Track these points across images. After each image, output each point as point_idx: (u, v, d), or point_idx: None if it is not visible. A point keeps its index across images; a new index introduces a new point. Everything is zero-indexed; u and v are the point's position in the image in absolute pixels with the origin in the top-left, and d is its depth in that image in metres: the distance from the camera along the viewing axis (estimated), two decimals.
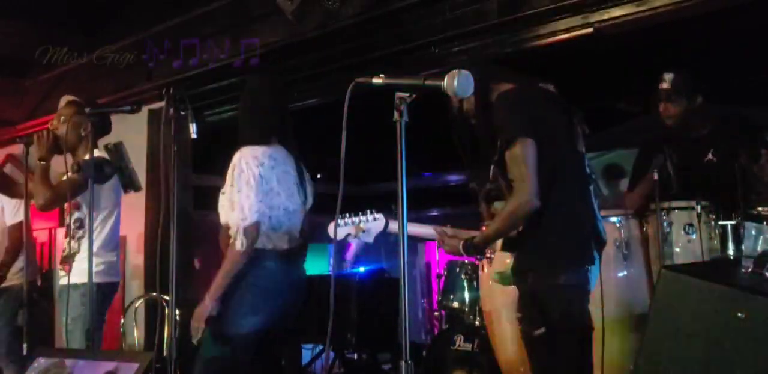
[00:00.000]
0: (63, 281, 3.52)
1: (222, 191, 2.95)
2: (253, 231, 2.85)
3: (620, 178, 4.61)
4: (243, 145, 2.95)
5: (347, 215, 2.86)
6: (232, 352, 2.89)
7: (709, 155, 3.51)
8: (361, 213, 2.86)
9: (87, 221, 3.48)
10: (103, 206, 3.61)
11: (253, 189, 2.86)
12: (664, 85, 3.54)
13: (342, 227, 2.82)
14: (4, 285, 4.35)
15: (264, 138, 3.00)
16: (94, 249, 3.51)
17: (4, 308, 4.33)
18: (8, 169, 4.60)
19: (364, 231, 2.83)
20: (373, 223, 2.84)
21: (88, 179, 3.26)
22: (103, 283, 3.51)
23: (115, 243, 3.72)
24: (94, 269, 3.45)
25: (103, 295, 3.55)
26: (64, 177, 3.55)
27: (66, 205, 3.60)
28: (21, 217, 4.40)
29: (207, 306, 2.84)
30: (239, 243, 2.83)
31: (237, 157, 2.92)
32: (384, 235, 2.87)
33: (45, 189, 3.48)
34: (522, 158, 2.43)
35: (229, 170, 2.91)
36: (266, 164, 2.91)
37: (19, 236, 4.27)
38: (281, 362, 4.89)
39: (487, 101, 2.61)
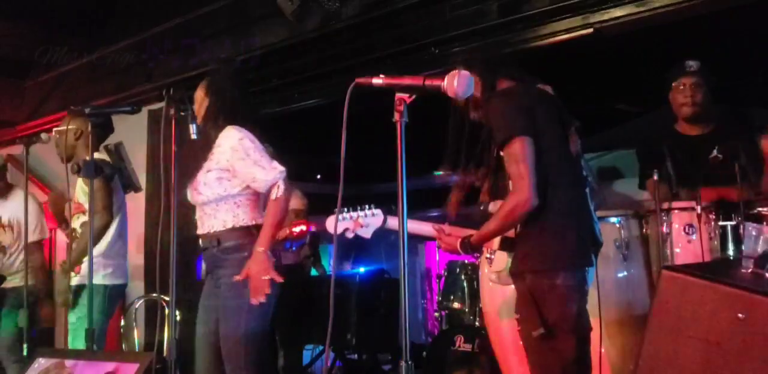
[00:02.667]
0: (74, 281, 3.52)
1: (208, 168, 2.98)
2: (287, 180, 2.93)
3: (618, 179, 4.61)
4: (227, 124, 3.02)
5: (346, 209, 2.86)
6: (266, 325, 2.96)
7: (714, 153, 3.50)
8: (359, 208, 2.85)
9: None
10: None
11: (266, 157, 2.95)
12: (692, 69, 3.52)
13: (340, 222, 2.82)
14: (10, 285, 4.35)
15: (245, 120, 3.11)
16: (103, 251, 3.52)
17: (10, 308, 4.33)
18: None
19: (362, 226, 2.83)
20: (372, 218, 2.84)
21: (109, 181, 3.29)
22: (110, 285, 3.51)
23: (122, 245, 3.71)
24: (103, 271, 3.46)
25: (110, 297, 3.54)
26: (77, 185, 3.55)
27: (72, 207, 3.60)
28: (45, 234, 4.42)
29: (267, 255, 2.82)
30: (278, 192, 2.88)
31: (234, 135, 2.96)
32: (384, 235, 2.87)
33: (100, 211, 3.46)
34: (520, 156, 2.44)
35: (229, 146, 2.95)
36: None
37: (42, 254, 4.32)
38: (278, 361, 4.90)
39: (490, 97, 2.62)
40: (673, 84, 3.58)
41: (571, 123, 2.61)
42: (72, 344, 3.46)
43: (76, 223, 3.61)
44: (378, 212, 2.84)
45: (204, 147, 3.00)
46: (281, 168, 2.93)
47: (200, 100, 3.13)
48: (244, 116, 3.07)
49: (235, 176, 2.96)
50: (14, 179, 4.73)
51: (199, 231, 3.07)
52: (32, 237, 4.32)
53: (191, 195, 3.05)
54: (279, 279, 2.80)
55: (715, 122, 3.61)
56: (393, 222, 2.83)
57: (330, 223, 2.88)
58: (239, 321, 2.90)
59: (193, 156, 3.04)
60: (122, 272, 3.66)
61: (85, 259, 3.45)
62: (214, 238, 2.98)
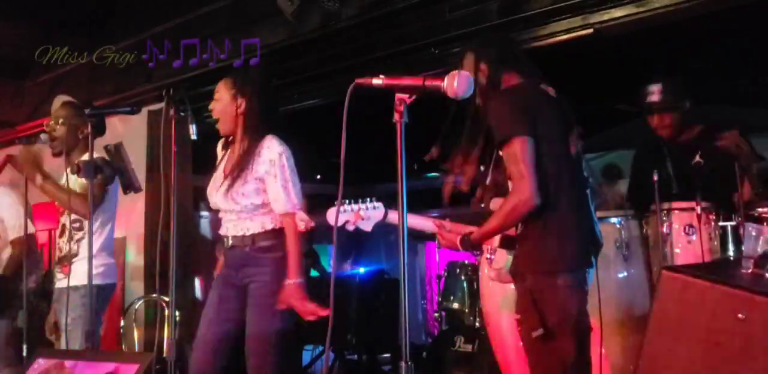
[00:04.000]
0: (61, 283, 3.51)
1: (245, 179, 3.02)
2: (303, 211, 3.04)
3: (619, 179, 4.61)
4: (265, 133, 3.07)
5: (346, 201, 2.86)
6: (291, 324, 3.02)
7: (697, 158, 3.51)
8: (361, 201, 2.85)
9: (86, 223, 3.47)
10: (106, 208, 3.59)
11: (295, 181, 3.05)
12: (654, 98, 3.53)
13: (341, 214, 2.82)
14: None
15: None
16: (95, 252, 3.50)
17: (6, 309, 4.31)
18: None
19: (363, 219, 2.83)
20: (373, 211, 2.83)
21: (108, 182, 3.27)
22: (102, 285, 3.50)
23: (109, 244, 3.69)
24: (94, 271, 3.44)
25: (103, 297, 3.54)
26: (71, 181, 3.53)
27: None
28: (21, 231, 4.37)
29: (300, 283, 2.93)
30: (301, 224, 2.99)
31: (276, 147, 3.02)
32: (383, 235, 2.86)
33: (78, 199, 3.38)
34: (520, 156, 2.43)
35: (269, 158, 3.00)
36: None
37: (23, 250, 4.27)
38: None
39: (496, 84, 2.61)
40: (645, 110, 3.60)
41: (573, 127, 2.61)
42: (69, 347, 3.44)
43: (66, 218, 3.59)
44: (379, 205, 2.84)
45: (245, 155, 3.04)
46: (299, 199, 3.02)
47: (227, 101, 3.12)
48: (278, 122, 3.13)
49: (264, 189, 3.03)
50: (14, 179, 4.72)
51: (230, 233, 3.09)
52: (14, 233, 4.30)
53: (225, 202, 3.07)
54: (322, 313, 2.89)
55: (698, 127, 3.61)
56: (394, 216, 2.83)
57: (331, 215, 2.87)
58: (271, 321, 2.93)
59: (236, 162, 3.08)
60: (111, 271, 3.64)
61: (77, 259, 3.45)
62: (248, 238, 3.04)
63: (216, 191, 3.11)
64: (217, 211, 3.19)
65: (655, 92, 3.53)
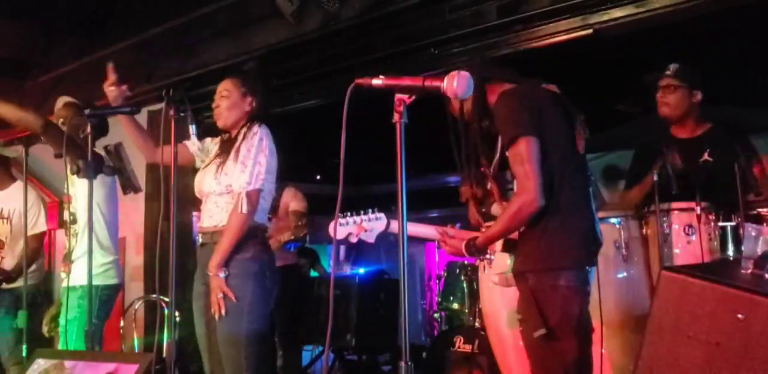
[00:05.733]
0: (64, 283, 3.50)
1: (232, 159, 3.03)
2: (254, 197, 2.98)
3: (619, 179, 4.61)
4: (257, 121, 3.11)
5: (348, 214, 2.85)
6: (266, 326, 3.02)
7: (705, 156, 3.52)
8: (362, 212, 2.84)
9: (78, 217, 3.46)
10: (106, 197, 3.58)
11: (261, 164, 3.01)
12: (667, 72, 3.56)
13: (343, 227, 2.81)
14: (8, 286, 4.32)
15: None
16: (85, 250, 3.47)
17: (8, 309, 4.30)
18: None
19: (366, 231, 2.81)
20: (375, 222, 2.82)
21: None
22: (101, 285, 3.47)
23: (111, 244, 3.67)
24: (93, 270, 3.42)
25: (99, 298, 3.49)
26: (71, 181, 3.52)
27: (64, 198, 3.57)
28: (43, 227, 4.39)
29: (219, 278, 2.90)
30: (242, 206, 2.93)
31: (261, 132, 3.05)
32: (383, 235, 2.85)
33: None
34: (526, 156, 2.43)
35: (247, 140, 3.03)
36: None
37: (39, 246, 4.28)
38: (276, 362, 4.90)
39: (484, 102, 2.61)
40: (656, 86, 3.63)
41: (577, 118, 2.60)
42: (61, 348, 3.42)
43: (66, 214, 3.59)
44: (381, 215, 2.82)
45: (235, 140, 3.08)
46: (257, 185, 2.97)
47: (237, 98, 3.15)
48: (270, 119, 3.21)
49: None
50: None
51: (204, 224, 3.09)
52: (34, 229, 4.33)
53: (210, 182, 3.06)
54: (232, 297, 2.89)
55: (708, 124, 3.61)
56: (396, 226, 2.83)
57: (333, 229, 2.87)
58: (240, 323, 2.89)
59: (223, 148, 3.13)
60: (112, 272, 3.61)
61: (74, 257, 3.43)
62: (218, 233, 2.99)
63: (204, 176, 3.13)
64: None
65: (669, 69, 3.56)
